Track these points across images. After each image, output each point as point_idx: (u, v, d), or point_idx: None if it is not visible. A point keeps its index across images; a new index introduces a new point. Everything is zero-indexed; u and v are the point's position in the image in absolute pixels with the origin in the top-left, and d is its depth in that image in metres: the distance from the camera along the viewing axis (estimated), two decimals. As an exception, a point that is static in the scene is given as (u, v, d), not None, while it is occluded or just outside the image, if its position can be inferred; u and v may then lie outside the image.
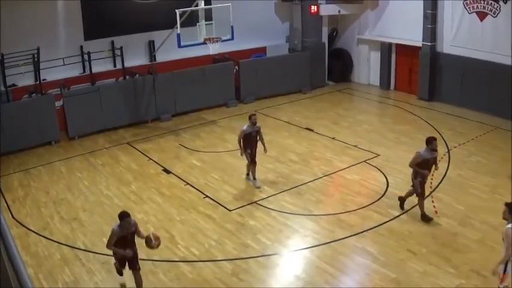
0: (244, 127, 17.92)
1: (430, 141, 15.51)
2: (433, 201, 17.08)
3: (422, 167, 15.43)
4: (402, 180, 18.57)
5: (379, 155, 20.85)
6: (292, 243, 15.04)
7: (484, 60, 25.35)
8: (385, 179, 18.81)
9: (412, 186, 15.91)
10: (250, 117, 17.97)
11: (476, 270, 13.59)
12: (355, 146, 21.82)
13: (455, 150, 21.59)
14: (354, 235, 15.13)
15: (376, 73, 30.86)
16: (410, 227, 15.60)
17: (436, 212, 16.45)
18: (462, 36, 26.37)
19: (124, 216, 11.99)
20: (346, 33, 31.83)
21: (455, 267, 13.69)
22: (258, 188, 18.13)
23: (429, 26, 27.23)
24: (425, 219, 15.88)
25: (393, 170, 19.54)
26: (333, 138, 22.74)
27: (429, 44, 27.47)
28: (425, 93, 28.13)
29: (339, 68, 31.57)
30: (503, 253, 11.34)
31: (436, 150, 15.70)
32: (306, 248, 14.63)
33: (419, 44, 27.94)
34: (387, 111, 27.67)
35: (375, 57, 30.76)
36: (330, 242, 14.78)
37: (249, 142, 17.98)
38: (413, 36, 27.93)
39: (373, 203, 17.10)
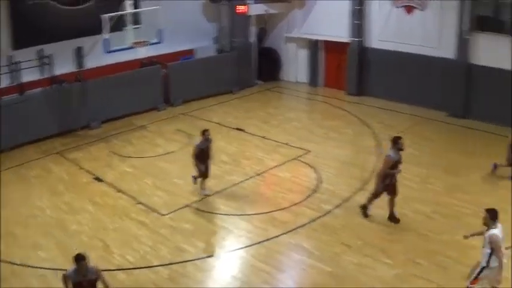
0: (198, 143, 17.43)
1: (396, 141, 15.29)
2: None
3: (392, 168, 15.29)
4: (333, 175, 18.95)
5: (309, 152, 20.95)
6: (227, 244, 14.99)
7: (412, 54, 25.91)
8: (316, 175, 18.93)
9: (376, 187, 15.77)
10: (203, 133, 17.32)
11: (412, 258, 13.88)
12: (285, 144, 21.84)
13: (386, 143, 21.89)
14: (287, 232, 15.15)
15: (305, 70, 30.94)
16: (344, 221, 15.78)
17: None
18: (390, 30, 26.81)
19: (79, 259, 10.56)
20: (275, 32, 31.78)
21: (391, 257, 13.92)
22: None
23: (356, 22, 27.60)
24: (364, 212, 15.97)
25: (324, 165, 19.72)
26: (264, 137, 22.71)
27: (357, 39, 27.84)
28: (354, 88, 28.46)
29: (267, 67, 31.50)
30: (482, 261, 11.51)
31: (402, 150, 15.45)
32: (241, 248, 14.58)
33: (347, 40, 28.25)
34: (316, 108, 27.91)
35: (303, 55, 30.88)
36: (264, 241, 14.76)
37: (202, 157, 17.39)
38: (341, 33, 28.21)
39: (305, 199, 17.18)
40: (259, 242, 14.71)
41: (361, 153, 21.23)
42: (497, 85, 23.86)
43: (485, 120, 24.07)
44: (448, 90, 25.11)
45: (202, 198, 17.48)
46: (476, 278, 11.61)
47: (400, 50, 26.36)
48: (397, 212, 15.93)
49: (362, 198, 17.00)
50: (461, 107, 25.03)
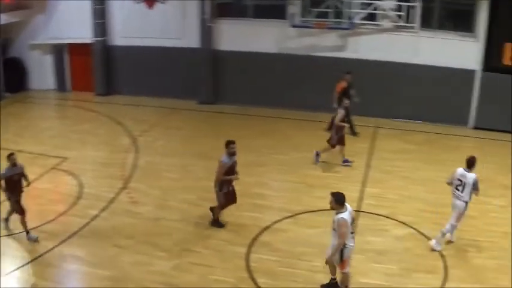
0: (4, 170, 14.77)
1: (228, 145, 15.02)
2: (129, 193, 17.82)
3: (227, 174, 15.09)
4: (94, 179, 19.00)
5: (67, 158, 20.68)
6: (1, 268, 13.88)
7: (157, 47, 26.85)
8: (77, 181, 18.82)
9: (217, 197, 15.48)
10: (9, 156, 14.81)
11: (187, 248, 14.55)
12: (42, 155, 21.18)
13: (140, 138, 22.51)
14: (59, 244, 14.88)
15: (53, 77, 30.25)
16: (113, 223, 15.95)
17: (134, 202, 17.19)
18: (133, 26, 27.36)
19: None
20: (19, 41, 30.31)
21: (166, 250, 14.40)
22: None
23: (98, 21, 27.71)
24: (218, 225, 15.69)
25: (84, 170, 19.67)
26: (19, 151, 20.92)
27: (100, 39, 27.99)
28: (102, 89, 28.67)
29: (14, 77, 30.05)
30: (334, 242, 11.95)
31: (235, 155, 15.14)
32: (17, 269, 13.87)
33: (90, 40, 28.24)
34: (67, 113, 27.49)
35: (49, 60, 30.16)
36: (38, 257, 14.32)
37: (14, 187, 14.85)
38: (85, 34, 28.09)
39: (71, 207, 17.00)
40: (34, 259, 14.26)
41: (118, 152, 21.48)
42: (242, 68, 25.47)
43: (234, 103, 25.53)
44: (196, 79, 26.31)
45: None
46: (342, 260, 12.05)
47: (145, 44, 27.15)
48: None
49: (125, 197, 17.52)
50: (210, 94, 26.30)
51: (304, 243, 14.82)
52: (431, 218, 16.27)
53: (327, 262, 12.31)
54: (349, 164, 20.11)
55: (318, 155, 20.15)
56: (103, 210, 16.82)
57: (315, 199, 17.28)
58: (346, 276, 12.35)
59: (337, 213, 11.74)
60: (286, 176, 19.13)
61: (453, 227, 14.64)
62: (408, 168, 20.06)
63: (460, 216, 14.42)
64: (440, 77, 24.17)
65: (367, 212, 16.44)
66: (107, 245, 14.85)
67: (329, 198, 11.84)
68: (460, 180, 14.23)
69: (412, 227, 15.78)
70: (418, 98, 24.66)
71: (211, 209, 15.92)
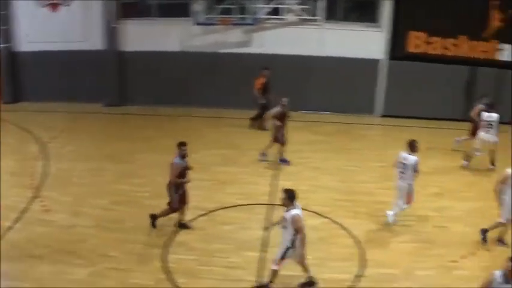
0: None
1: (179, 147, 14.69)
2: (42, 201, 17.40)
3: (180, 176, 14.84)
4: (4, 190, 17.90)
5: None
6: None
7: (62, 51, 26.16)
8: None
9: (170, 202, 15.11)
10: None
11: (103, 253, 14.35)
12: None
13: (50, 145, 22.02)
14: None
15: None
16: (27, 233, 15.56)
17: (47, 210, 16.83)
18: (37, 31, 26.53)
19: None
20: None
21: (83, 257, 14.17)
22: None
23: (3, 27, 26.81)
24: (153, 222, 15.46)
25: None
26: None
27: (5, 45, 27.08)
28: (9, 96, 27.69)
29: None
30: (284, 240, 12.14)
31: (186, 156, 14.85)
32: None
33: (-3, 47, 27.34)
34: (-26, 124, 26.79)
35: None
36: None
37: None
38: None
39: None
40: None
41: (27, 160, 20.96)
42: (149, 68, 25.39)
43: (142, 104, 25.45)
44: (102, 81, 26.00)
45: None
46: (282, 259, 12.21)
47: (50, 49, 26.37)
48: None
49: (38, 206, 17.08)
50: (117, 95, 26.12)
51: (220, 240, 14.99)
52: (344, 206, 16.82)
53: (301, 264, 12.60)
54: (264, 158, 20.35)
55: (283, 160, 20.25)
56: (16, 221, 16.33)
57: (228, 195, 17.53)
58: (274, 273, 12.52)
59: (288, 210, 11.99)
60: (198, 174, 18.99)
61: (400, 209, 15.47)
62: (318, 159, 20.49)
63: (406, 198, 15.24)
64: (347, 67, 24.76)
65: (281, 205, 16.61)
66: (23, 256, 14.47)
67: (281, 194, 12.19)
68: (403, 164, 14.98)
69: (325, 217, 16.17)
70: (325, 90, 25.21)
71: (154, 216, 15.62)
